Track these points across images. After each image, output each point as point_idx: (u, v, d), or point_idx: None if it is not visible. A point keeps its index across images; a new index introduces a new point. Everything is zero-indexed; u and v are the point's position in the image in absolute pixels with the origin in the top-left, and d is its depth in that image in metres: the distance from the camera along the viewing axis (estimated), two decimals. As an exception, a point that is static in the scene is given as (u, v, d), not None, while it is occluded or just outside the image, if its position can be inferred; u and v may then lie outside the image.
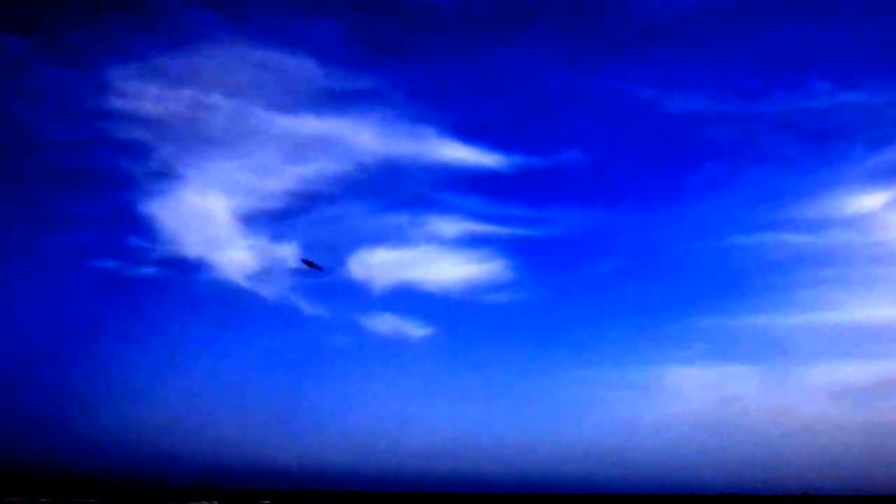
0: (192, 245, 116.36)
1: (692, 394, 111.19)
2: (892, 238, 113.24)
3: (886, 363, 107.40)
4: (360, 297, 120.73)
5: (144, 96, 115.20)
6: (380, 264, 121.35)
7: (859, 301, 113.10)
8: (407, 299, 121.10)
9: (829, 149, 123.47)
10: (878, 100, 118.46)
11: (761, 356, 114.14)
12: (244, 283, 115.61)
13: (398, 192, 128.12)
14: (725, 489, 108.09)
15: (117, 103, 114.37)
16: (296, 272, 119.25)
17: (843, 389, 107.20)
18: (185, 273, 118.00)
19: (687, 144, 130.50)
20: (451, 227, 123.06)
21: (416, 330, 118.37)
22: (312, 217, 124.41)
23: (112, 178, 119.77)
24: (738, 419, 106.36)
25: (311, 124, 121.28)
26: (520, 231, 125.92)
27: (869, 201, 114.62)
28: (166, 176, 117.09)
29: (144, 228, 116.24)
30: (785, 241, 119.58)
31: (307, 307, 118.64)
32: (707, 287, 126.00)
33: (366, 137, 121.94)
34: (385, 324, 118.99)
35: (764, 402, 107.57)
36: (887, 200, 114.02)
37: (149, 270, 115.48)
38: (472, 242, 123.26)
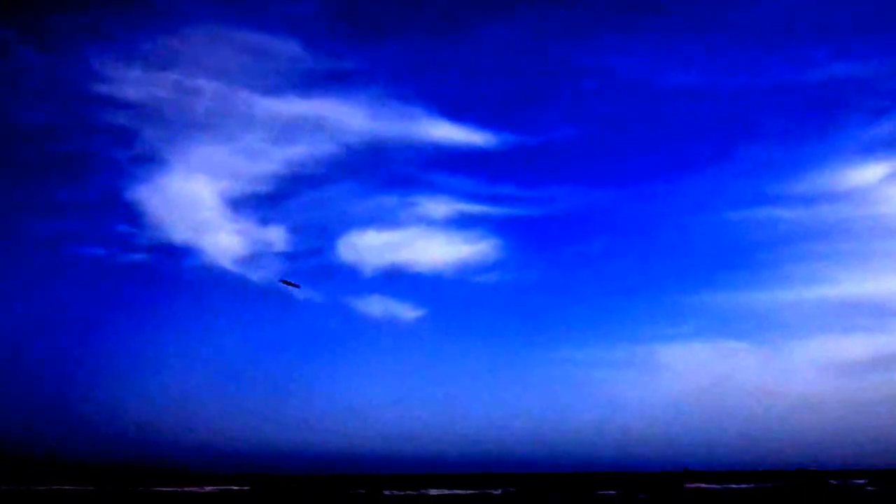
0: (179, 230, 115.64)
1: (684, 371, 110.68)
2: (888, 211, 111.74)
3: (881, 337, 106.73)
4: (351, 279, 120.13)
5: (127, 80, 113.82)
6: (370, 246, 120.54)
7: (854, 275, 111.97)
8: (398, 281, 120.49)
9: (825, 121, 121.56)
10: (877, 70, 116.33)
11: (754, 332, 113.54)
12: (233, 268, 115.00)
13: (387, 173, 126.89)
14: (719, 466, 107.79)
15: (100, 88, 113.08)
16: (285, 256, 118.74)
17: (837, 364, 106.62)
18: (173, 259, 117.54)
19: (679, 119, 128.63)
20: (441, 207, 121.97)
21: (407, 311, 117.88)
22: (300, 200, 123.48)
23: (96, 163, 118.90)
24: (730, 396, 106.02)
25: (297, 106, 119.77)
26: (511, 210, 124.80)
27: (866, 174, 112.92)
28: (151, 161, 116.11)
29: (131, 214, 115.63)
30: (779, 216, 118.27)
31: (297, 290, 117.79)
32: (700, 263, 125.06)
33: (353, 118, 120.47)
34: (376, 306, 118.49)
35: (757, 378, 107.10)
36: (885, 173, 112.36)
37: (136, 256, 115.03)
38: (462, 222, 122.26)
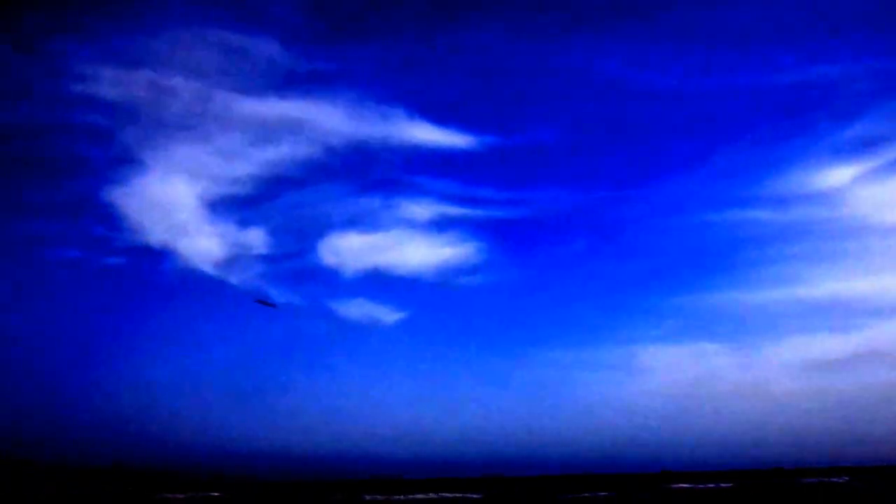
0: (156, 233, 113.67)
1: (664, 372, 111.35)
2: (859, 212, 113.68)
3: (856, 336, 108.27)
4: (331, 282, 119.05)
5: (104, 79, 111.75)
6: (351, 249, 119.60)
7: (828, 275, 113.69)
8: (379, 284, 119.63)
9: (796, 124, 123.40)
10: (845, 73, 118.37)
11: (731, 333, 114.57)
12: (212, 271, 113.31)
13: (368, 175, 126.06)
14: (698, 466, 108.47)
15: (76, 87, 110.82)
16: (265, 258, 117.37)
17: (814, 363, 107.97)
18: (151, 262, 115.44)
19: (656, 122, 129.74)
20: (422, 209, 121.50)
21: (388, 315, 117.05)
22: (280, 202, 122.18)
23: (71, 164, 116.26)
24: (710, 396, 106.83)
25: (276, 107, 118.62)
26: (492, 212, 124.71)
27: (837, 176, 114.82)
28: (128, 162, 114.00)
29: (107, 216, 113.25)
30: (755, 218, 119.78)
31: (277, 294, 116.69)
32: (679, 264, 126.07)
33: (333, 119, 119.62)
34: (357, 309, 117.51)
35: (736, 379, 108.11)
36: (855, 175, 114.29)
37: (113, 259, 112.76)
38: (444, 225, 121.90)
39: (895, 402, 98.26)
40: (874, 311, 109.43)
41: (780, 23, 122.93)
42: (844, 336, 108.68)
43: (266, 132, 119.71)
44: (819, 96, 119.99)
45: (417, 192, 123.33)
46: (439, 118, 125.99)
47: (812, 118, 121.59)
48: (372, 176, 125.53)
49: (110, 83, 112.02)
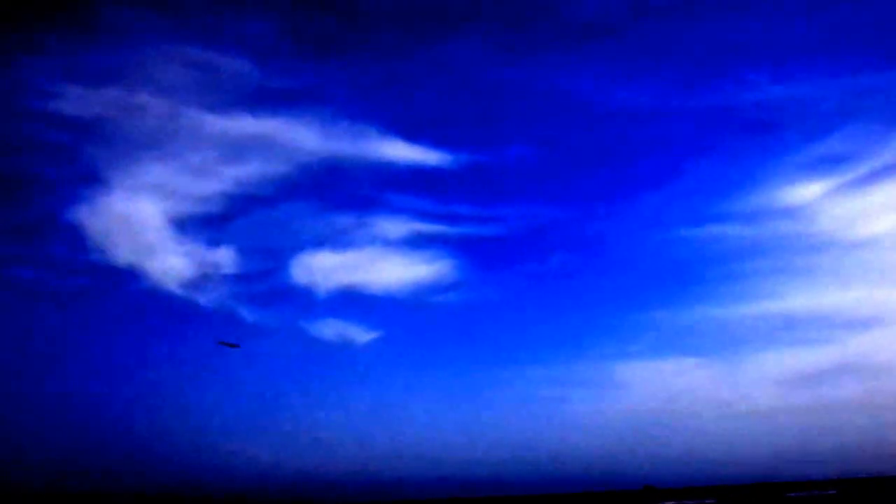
0: (122, 253, 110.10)
1: (642, 388, 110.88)
2: (829, 228, 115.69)
3: (828, 349, 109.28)
4: (304, 302, 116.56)
5: (67, 96, 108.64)
6: (323, 268, 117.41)
7: (801, 289, 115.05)
8: (353, 303, 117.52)
9: (766, 141, 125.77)
10: (812, 92, 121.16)
11: (709, 347, 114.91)
12: (179, 291, 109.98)
13: (341, 193, 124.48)
14: (677, 482, 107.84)
15: (38, 104, 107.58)
16: (235, 278, 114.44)
17: (788, 377, 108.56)
18: (116, 282, 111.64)
19: (629, 139, 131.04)
20: (396, 227, 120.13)
21: (362, 334, 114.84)
22: (251, 220, 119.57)
23: (33, 183, 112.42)
24: (687, 411, 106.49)
25: (247, 124, 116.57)
26: (467, 229, 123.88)
27: (806, 192, 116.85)
28: (92, 180, 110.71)
29: (69, 236, 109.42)
30: (728, 233, 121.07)
31: (248, 314, 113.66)
32: (655, 280, 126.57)
33: (305, 137, 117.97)
34: (330, 329, 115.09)
35: (712, 393, 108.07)
36: (823, 190, 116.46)
37: (74, 280, 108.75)
38: (418, 243, 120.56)
39: (869, 414, 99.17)
40: (846, 323, 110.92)
41: (749, 44, 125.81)
42: (818, 349, 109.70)
43: (237, 150, 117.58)
44: (788, 115, 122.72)
45: (391, 209, 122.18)
46: (413, 135, 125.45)
47: (781, 136, 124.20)
48: (345, 193, 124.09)
49: (74, 100, 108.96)
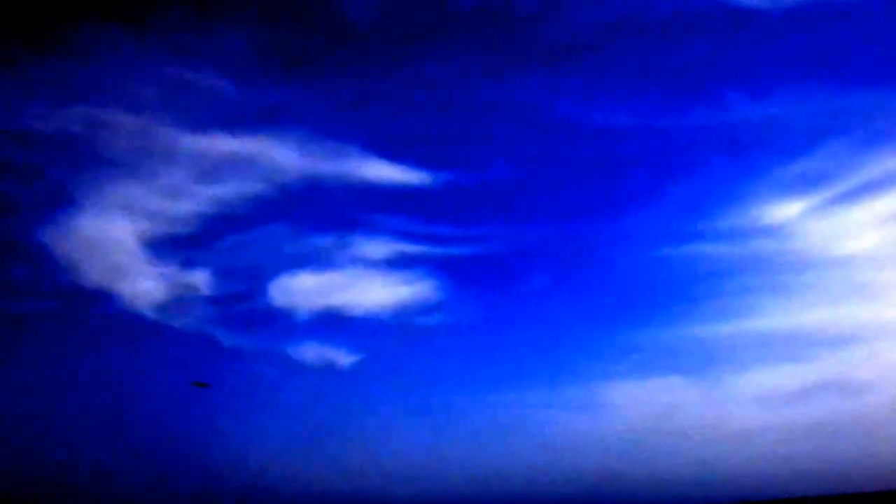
0: (92, 275, 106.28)
1: (626, 408, 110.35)
2: (807, 246, 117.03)
3: (811, 366, 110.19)
4: (284, 325, 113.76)
5: (32, 113, 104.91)
6: (303, 290, 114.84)
7: (781, 308, 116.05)
8: (334, 325, 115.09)
9: (746, 160, 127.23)
10: (790, 112, 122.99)
11: (694, 366, 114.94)
12: (153, 314, 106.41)
13: (321, 213, 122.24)
14: (662, 501, 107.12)
15: (1, 121, 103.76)
16: (211, 301, 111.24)
17: (772, 394, 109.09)
18: (86, 305, 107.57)
19: (610, 158, 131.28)
20: (377, 248, 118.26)
21: (344, 357, 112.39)
22: (228, 241, 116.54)
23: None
24: (672, 431, 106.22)
25: (224, 143, 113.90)
26: (449, 250, 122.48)
27: (785, 211, 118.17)
28: (60, 201, 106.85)
29: (35, 259, 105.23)
30: (709, 252, 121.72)
31: (226, 338, 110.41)
32: (637, 299, 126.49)
33: (284, 156, 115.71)
34: (311, 352, 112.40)
35: (698, 412, 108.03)
36: (802, 209, 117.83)
37: (43, 304, 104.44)
38: (400, 263, 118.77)
39: (849, 431, 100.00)
40: (826, 341, 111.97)
41: (729, 64, 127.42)
42: (801, 367, 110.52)
43: (213, 169, 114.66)
44: (767, 134, 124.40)
45: (372, 230, 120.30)
46: (393, 155, 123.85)
47: (760, 155, 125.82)
48: (325, 214, 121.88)
49: (40, 117, 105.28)
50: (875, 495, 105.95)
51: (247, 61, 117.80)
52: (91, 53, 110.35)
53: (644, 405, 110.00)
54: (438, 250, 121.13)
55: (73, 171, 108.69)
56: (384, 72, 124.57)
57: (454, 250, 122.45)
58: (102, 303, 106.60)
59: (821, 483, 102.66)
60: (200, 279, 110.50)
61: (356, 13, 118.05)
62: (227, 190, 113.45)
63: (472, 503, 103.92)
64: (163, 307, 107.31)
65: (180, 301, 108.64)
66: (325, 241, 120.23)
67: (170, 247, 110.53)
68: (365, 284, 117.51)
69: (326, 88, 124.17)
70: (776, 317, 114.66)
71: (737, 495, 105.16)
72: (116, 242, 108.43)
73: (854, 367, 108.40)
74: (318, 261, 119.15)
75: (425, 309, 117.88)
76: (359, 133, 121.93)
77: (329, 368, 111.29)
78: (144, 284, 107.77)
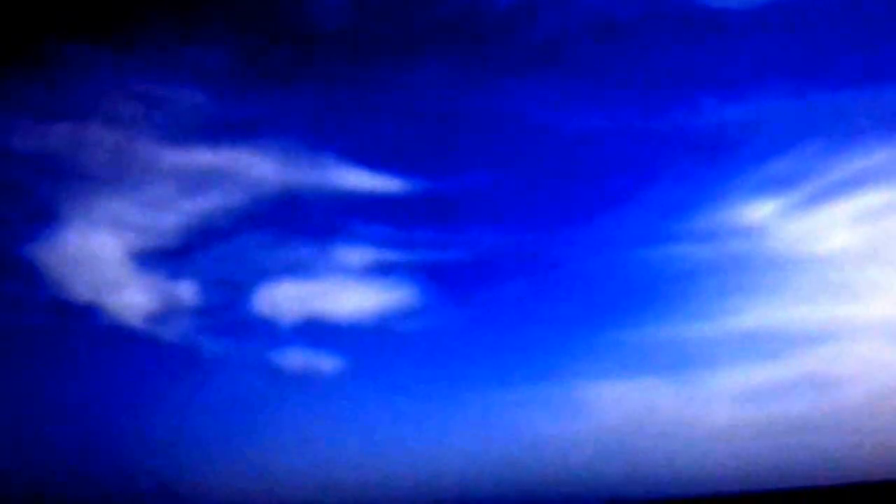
0: (80, 289, 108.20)
1: (604, 409, 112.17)
2: (782, 245, 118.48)
3: (787, 364, 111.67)
4: (267, 333, 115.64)
5: (16, 131, 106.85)
6: (286, 298, 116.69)
7: (757, 307, 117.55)
8: (316, 333, 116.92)
9: (719, 161, 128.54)
10: (762, 113, 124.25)
11: (671, 366, 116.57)
12: (141, 326, 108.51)
13: (301, 223, 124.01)
14: (642, 499, 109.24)
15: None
16: (197, 311, 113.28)
17: (749, 392, 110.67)
18: (74, 319, 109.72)
19: (586, 162, 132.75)
20: (358, 255, 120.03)
21: (328, 363, 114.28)
22: (212, 252, 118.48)
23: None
24: (650, 430, 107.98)
25: (203, 156, 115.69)
26: (429, 256, 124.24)
27: (759, 211, 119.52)
28: (46, 216, 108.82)
29: (23, 274, 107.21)
30: (685, 252, 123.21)
31: (211, 347, 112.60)
32: (614, 300, 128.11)
33: (263, 167, 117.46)
34: (294, 359, 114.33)
35: (675, 411, 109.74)
36: (776, 210, 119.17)
37: (30, 318, 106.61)
38: (380, 270, 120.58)
39: (825, 426, 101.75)
40: (804, 339, 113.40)
41: (701, 67, 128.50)
42: (778, 364, 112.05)
43: (194, 182, 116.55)
44: (740, 135, 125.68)
45: (352, 237, 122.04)
46: (371, 163, 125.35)
47: (734, 156, 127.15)
48: (305, 223, 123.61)
49: (24, 135, 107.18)
50: (851, 488, 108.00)
51: (224, 75, 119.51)
52: (70, 71, 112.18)
53: (621, 405, 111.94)
54: (418, 256, 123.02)
55: (58, 186, 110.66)
56: (359, 80, 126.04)
57: (434, 256, 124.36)
58: (91, 316, 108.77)
59: (798, 477, 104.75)
60: (186, 290, 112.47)
61: (329, 23, 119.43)
62: (210, 202, 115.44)
63: (453, 502, 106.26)
64: (150, 319, 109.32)
65: (167, 312, 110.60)
66: (306, 249, 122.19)
67: (155, 259, 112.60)
68: (346, 291, 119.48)
69: (303, 98, 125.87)
70: (752, 316, 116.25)
71: (716, 490, 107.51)
72: (103, 256, 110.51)
73: (830, 363, 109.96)
74: (299, 269, 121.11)
75: (406, 314, 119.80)
76: (336, 142, 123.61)
77: (314, 375, 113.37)
78: (132, 297, 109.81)
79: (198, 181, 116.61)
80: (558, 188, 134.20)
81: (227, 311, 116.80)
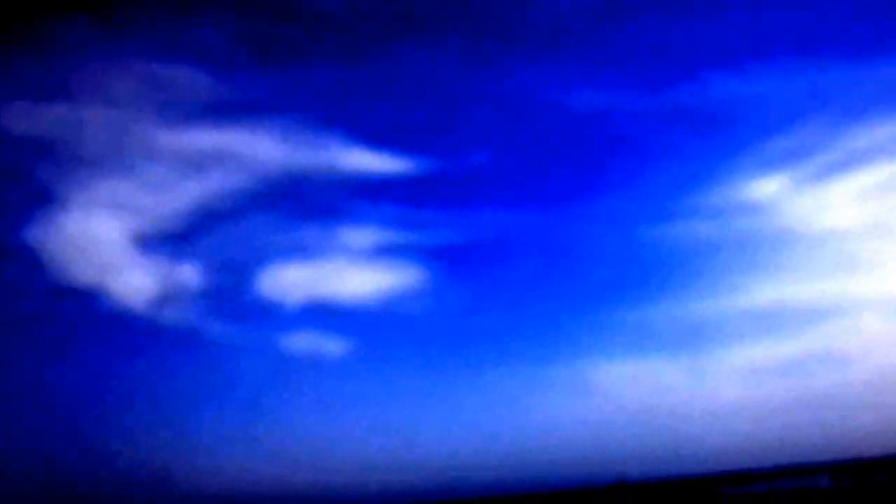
0: (82, 273, 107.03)
1: (614, 388, 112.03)
2: (790, 222, 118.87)
3: (795, 341, 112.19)
4: (273, 316, 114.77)
5: (14, 114, 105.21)
6: (291, 280, 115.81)
7: (765, 283, 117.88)
8: (322, 315, 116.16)
9: (726, 138, 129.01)
10: (769, 88, 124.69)
11: (680, 344, 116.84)
12: (143, 310, 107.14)
13: (306, 204, 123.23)
14: (651, 477, 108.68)
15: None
16: (201, 294, 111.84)
17: (757, 370, 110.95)
18: (76, 304, 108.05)
19: (592, 141, 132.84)
20: (363, 237, 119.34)
21: (334, 346, 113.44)
22: (215, 235, 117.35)
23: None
24: (660, 408, 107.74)
25: (206, 137, 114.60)
26: (434, 237, 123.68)
27: (766, 187, 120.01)
28: (46, 200, 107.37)
29: (23, 259, 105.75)
30: (692, 230, 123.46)
31: (216, 330, 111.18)
32: (622, 280, 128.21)
33: (266, 148, 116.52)
34: (300, 342, 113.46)
35: (685, 389, 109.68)
36: (783, 185, 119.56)
37: (33, 304, 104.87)
38: (386, 252, 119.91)
39: (835, 401, 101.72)
40: (812, 315, 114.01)
41: (708, 43, 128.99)
42: (785, 341, 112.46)
43: (196, 163, 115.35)
44: (746, 112, 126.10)
45: (357, 218, 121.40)
46: (376, 143, 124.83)
47: (741, 132, 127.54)
48: (310, 204, 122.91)
49: (23, 118, 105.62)
50: (859, 463, 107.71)
51: (225, 54, 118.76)
52: (67, 52, 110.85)
53: (631, 384, 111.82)
54: (424, 237, 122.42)
55: (57, 170, 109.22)
56: (363, 61, 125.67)
57: (440, 237, 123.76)
58: (93, 300, 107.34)
59: (806, 452, 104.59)
60: (189, 273, 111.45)
61: (334, 2, 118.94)
62: (212, 184, 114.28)
63: (464, 482, 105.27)
64: (153, 302, 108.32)
65: (170, 296, 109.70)
66: (310, 231, 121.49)
67: (157, 242, 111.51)
68: (352, 273, 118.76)
69: (306, 79, 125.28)
70: (760, 292, 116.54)
71: (724, 467, 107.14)
72: (104, 239, 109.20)
73: (837, 339, 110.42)
74: (304, 251, 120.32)
75: (412, 295, 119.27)
76: (340, 122, 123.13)
77: (320, 358, 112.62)
78: (134, 280, 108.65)
79: (200, 163, 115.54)
80: (564, 167, 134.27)
81: (231, 294, 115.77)
